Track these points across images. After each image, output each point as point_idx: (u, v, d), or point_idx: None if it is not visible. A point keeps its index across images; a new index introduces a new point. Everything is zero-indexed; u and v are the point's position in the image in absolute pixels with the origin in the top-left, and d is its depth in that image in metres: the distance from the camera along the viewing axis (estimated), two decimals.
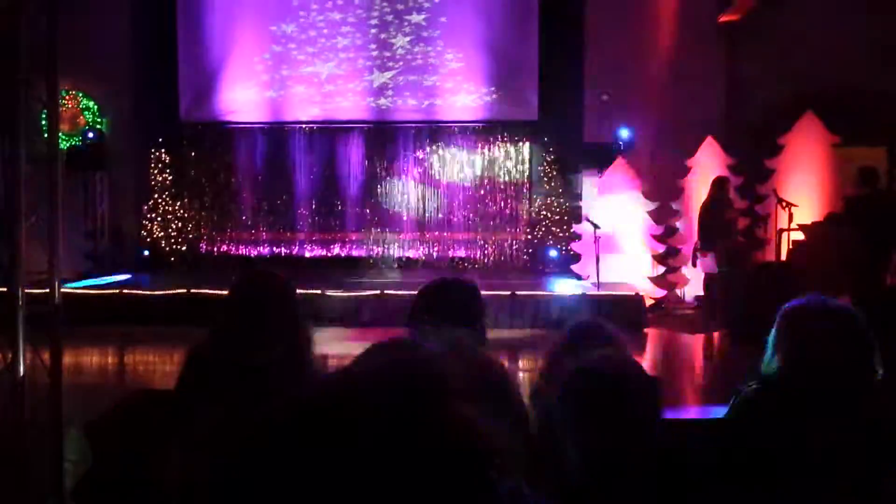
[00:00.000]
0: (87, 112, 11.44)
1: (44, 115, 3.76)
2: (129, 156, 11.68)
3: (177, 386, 2.19)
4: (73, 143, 11.22)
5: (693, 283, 9.94)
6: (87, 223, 11.39)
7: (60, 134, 11.32)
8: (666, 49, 10.76)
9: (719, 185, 9.08)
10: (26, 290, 3.27)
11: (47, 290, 3.41)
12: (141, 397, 2.06)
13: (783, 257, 8.79)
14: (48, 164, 3.46)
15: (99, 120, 11.55)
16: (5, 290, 3.30)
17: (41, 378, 3.49)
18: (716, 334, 8.58)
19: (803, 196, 9.18)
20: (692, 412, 5.51)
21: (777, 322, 1.98)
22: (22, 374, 3.17)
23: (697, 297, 9.87)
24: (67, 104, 11.16)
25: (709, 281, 9.13)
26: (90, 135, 11.22)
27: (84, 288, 9.63)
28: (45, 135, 3.78)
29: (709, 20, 10.67)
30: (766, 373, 1.97)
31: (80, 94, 11.36)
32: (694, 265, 9.41)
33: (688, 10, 10.77)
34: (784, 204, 8.72)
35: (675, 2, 10.82)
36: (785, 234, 8.81)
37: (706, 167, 10.01)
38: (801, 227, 8.55)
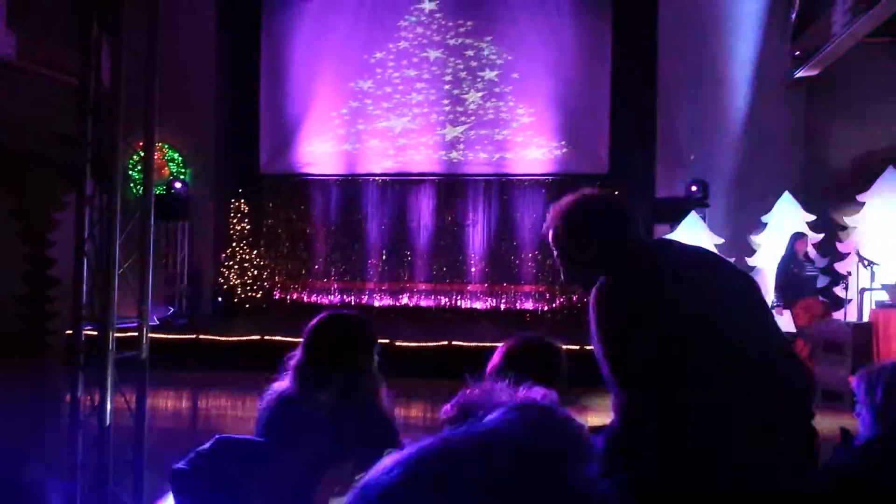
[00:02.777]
0: (171, 163, 11.99)
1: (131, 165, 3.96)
2: (209, 205, 12.14)
3: (257, 427, 2.25)
4: (158, 192, 11.73)
5: None
6: (167, 270, 11.83)
7: None
8: (740, 104, 10.67)
9: (797, 241, 8.86)
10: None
11: (133, 334, 3.57)
12: (222, 443, 2.13)
13: (866, 318, 8.45)
14: (142, 214, 3.65)
15: (183, 171, 12.07)
16: (96, 333, 3.46)
17: (122, 420, 3.62)
18: None
19: (885, 254, 8.86)
20: None
21: (869, 385, 1.93)
22: (109, 416, 3.30)
23: None
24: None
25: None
26: (175, 185, 11.73)
27: (161, 332, 9.96)
28: (136, 186, 3.99)
29: (785, 76, 10.55)
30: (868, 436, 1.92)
31: (166, 146, 11.92)
32: None
33: (763, 65, 10.69)
34: (866, 262, 8.43)
35: (749, 58, 10.75)
36: (867, 294, 8.48)
37: (783, 224, 9.78)
38: (886, 288, 8.22)
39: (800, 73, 10.27)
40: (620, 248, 1.80)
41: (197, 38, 11.72)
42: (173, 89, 11.32)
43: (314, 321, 2.42)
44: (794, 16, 10.45)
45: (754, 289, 1.76)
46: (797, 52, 10.21)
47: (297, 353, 2.36)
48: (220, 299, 12.28)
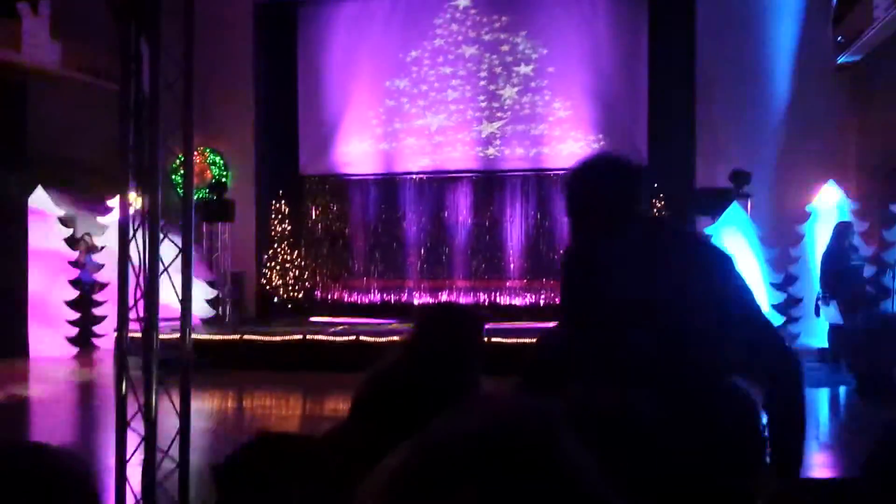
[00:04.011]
0: (213, 166, 12.20)
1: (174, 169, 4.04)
2: (251, 207, 12.31)
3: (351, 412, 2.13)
4: (200, 195, 11.92)
5: (818, 333, 9.46)
6: (210, 271, 12.03)
7: None
8: (782, 92, 10.48)
9: (843, 230, 8.68)
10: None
11: (177, 336, 3.65)
12: (265, 440, 2.16)
13: None
14: (183, 216, 3.72)
15: (224, 173, 12.26)
16: (140, 335, 3.54)
17: (168, 420, 3.70)
18: (841, 389, 8.10)
19: None
20: (819, 473, 5.21)
21: None
22: (154, 415, 3.38)
23: (821, 350, 9.37)
24: (196, 159, 11.90)
25: (833, 332, 8.67)
26: (216, 187, 11.90)
27: (206, 333, 10.14)
28: (181, 189, 4.07)
29: (827, 62, 10.32)
30: None
31: (208, 150, 12.13)
32: (817, 315, 8.97)
33: (804, 52, 10.47)
34: None
35: (790, 45, 10.55)
36: None
37: (828, 212, 9.59)
38: None
39: (842, 59, 10.05)
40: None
41: (235, 44, 11.93)
42: (214, 94, 11.59)
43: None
44: (835, 1, 10.22)
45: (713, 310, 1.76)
46: (839, 38, 9.99)
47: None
48: (263, 300, 12.46)
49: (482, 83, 12.01)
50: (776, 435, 1.71)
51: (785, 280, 10.00)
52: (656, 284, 1.74)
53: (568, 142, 11.76)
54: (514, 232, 12.10)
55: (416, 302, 12.15)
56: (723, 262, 1.88)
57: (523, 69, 11.87)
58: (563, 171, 11.81)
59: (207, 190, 11.91)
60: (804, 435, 1.81)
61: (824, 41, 10.35)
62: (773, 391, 1.76)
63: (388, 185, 12.47)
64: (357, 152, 12.36)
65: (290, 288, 12.59)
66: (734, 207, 10.03)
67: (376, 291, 12.46)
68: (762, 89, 10.60)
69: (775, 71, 10.59)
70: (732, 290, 1.82)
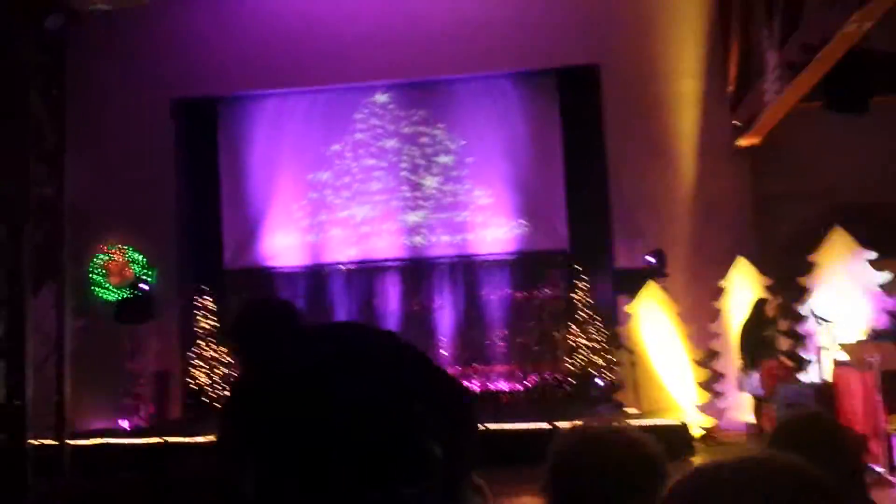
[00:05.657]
0: (134, 264, 11.98)
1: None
2: (174, 304, 12.09)
3: None
4: (123, 295, 11.66)
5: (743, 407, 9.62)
6: (133, 369, 11.66)
7: (110, 286, 11.76)
8: (688, 172, 11.00)
9: (761, 305, 9.01)
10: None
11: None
12: None
13: (826, 377, 8.50)
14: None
15: (146, 271, 12.05)
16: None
17: None
18: None
19: (838, 313, 8.98)
20: None
21: None
22: None
23: (748, 425, 9.52)
24: (116, 258, 11.74)
25: (757, 405, 8.85)
26: (140, 286, 11.63)
27: (128, 436, 9.75)
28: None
29: (728, 145, 10.91)
30: None
31: (129, 248, 11.94)
32: (740, 389, 9.17)
33: (705, 136, 11.07)
34: (820, 321, 8.55)
35: (692, 129, 11.15)
36: (825, 353, 8.56)
37: (740, 287, 9.93)
38: (843, 347, 8.31)
39: (741, 142, 10.64)
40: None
41: (155, 141, 11.93)
42: (129, 191, 11.51)
43: None
44: (730, 88, 10.90)
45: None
46: (737, 122, 10.60)
47: None
48: (189, 400, 12.08)
49: (404, 174, 12.26)
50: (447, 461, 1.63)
51: (707, 356, 10.22)
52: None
53: (491, 227, 12.02)
54: (445, 319, 12.14)
55: None
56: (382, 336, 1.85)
57: (443, 159, 12.19)
58: (490, 257, 12.04)
59: (129, 288, 11.68)
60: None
61: (724, 125, 10.97)
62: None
63: (316, 276, 12.44)
64: (283, 245, 12.35)
65: (217, 385, 12.26)
66: (651, 286, 10.31)
67: None
68: (670, 173, 11.10)
69: (681, 153, 11.13)
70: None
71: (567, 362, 11.70)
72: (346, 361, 1.65)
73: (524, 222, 11.92)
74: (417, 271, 12.32)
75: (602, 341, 11.40)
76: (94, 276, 11.90)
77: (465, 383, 11.77)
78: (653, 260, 10.63)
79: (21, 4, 7.49)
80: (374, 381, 1.60)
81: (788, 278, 9.96)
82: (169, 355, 12.09)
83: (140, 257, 12.03)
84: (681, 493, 0.70)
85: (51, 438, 6.85)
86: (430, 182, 12.20)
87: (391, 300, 12.25)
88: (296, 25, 11.77)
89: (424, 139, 12.24)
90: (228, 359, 12.26)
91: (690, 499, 0.69)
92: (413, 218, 12.21)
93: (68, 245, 6.61)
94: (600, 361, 11.35)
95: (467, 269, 12.20)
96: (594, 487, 1.59)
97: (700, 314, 10.35)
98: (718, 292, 10.26)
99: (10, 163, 6.41)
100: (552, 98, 12.00)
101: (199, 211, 12.48)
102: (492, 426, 8.58)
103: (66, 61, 7.60)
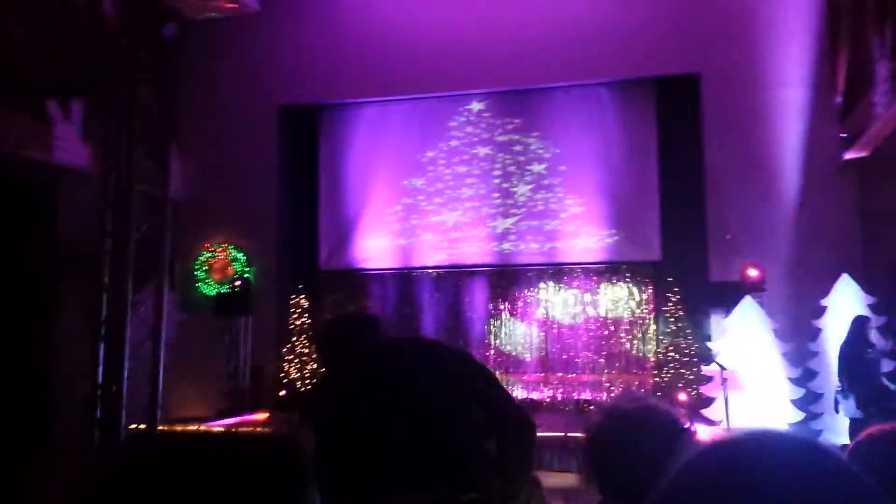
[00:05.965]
0: (236, 262, 12.51)
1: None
2: (271, 302, 12.54)
3: None
4: (223, 290, 12.22)
5: (838, 429, 9.26)
6: (230, 364, 12.16)
7: (211, 282, 12.30)
8: (791, 187, 10.67)
9: (860, 323, 8.66)
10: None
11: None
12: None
13: None
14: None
15: (247, 269, 12.57)
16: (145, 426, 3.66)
17: None
18: None
19: None
20: None
21: None
22: None
23: (843, 446, 9.14)
24: (219, 256, 12.30)
25: (853, 427, 8.50)
26: (238, 283, 12.16)
27: (222, 425, 10.17)
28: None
29: (834, 158, 10.52)
30: None
31: (231, 247, 12.49)
32: (836, 410, 8.83)
33: (810, 148, 10.71)
34: None
35: (796, 141, 10.80)
36: None
37: (843, 306, 9.56)
38: None
39: (848, 155, 10.24)
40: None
41: (260, 147, 12.48)
42: (235, 193, 12.06)
43: None
44: (838, 99, 10.50)
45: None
46: (844, 135, 10.21)
47: None
48: (282, 392, 12.50)
49: (496, 181, 12.36)
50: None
51: (804, 375, 9.89)
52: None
53: (581, 237, 11.96)
54: (531, 325, 12.16)
55: None
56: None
57: (536, 168, 12.22)
58: (578, 266, 11.98)
59: (229, 285, 12.20)
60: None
61: (830, 138, 10.58)
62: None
63: (406, 279, 12.68)
64: (375, 248, 12.66)
65: (308, 381, 12.64)
66: (748, 301, 10.05)
67: None
68: (771, 184, 10.78)
69: (783, 167, 10.80)
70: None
71: (655, 375, 11.51)
72: (415, 370, 1.79)
73: (615, 232, 11.81)
74: (505, 277, 12.38)
75: (693, 355, 11.16)
76: (199, 273, 12.52)
77: (550, 392, 11.83)
78: (751, 274, 10.37)
79: (139, 11, 7.96)
80: (441, 390, 1.72)
81: (894, 298, 9.53)
82: (264, 351, 12.54)
83: (241, 255, 12.55)
84: (703, 465, 0.74)
85: (145, 423, 7.24)
86: (522, 190, 12.26)
87: (477, 305, 12.36)
88: (397, 37, 12.11)
89: (518, 147, 12.31)
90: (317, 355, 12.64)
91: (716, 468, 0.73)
92: (503, 225, 12.29)
93: (170, 240, 6.99)
94: (690, 376, 11.11)
95: (555, 277, 12.18)
96: (625, 461, 1.82)
97: (799, 332, 10.02)
98: (820, 310, 9.90)
99: (118, 156, 6.77)
100: (649, 107, 11.86)
101: (298, 213, 12.94)
102: (572, 434, 8.54)
103: (180, 63, 7.98)
